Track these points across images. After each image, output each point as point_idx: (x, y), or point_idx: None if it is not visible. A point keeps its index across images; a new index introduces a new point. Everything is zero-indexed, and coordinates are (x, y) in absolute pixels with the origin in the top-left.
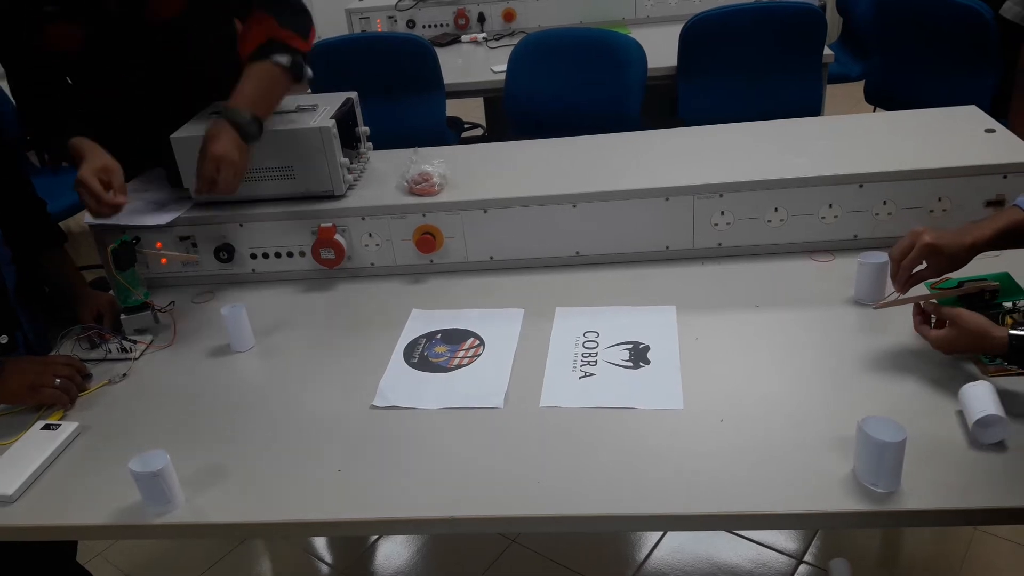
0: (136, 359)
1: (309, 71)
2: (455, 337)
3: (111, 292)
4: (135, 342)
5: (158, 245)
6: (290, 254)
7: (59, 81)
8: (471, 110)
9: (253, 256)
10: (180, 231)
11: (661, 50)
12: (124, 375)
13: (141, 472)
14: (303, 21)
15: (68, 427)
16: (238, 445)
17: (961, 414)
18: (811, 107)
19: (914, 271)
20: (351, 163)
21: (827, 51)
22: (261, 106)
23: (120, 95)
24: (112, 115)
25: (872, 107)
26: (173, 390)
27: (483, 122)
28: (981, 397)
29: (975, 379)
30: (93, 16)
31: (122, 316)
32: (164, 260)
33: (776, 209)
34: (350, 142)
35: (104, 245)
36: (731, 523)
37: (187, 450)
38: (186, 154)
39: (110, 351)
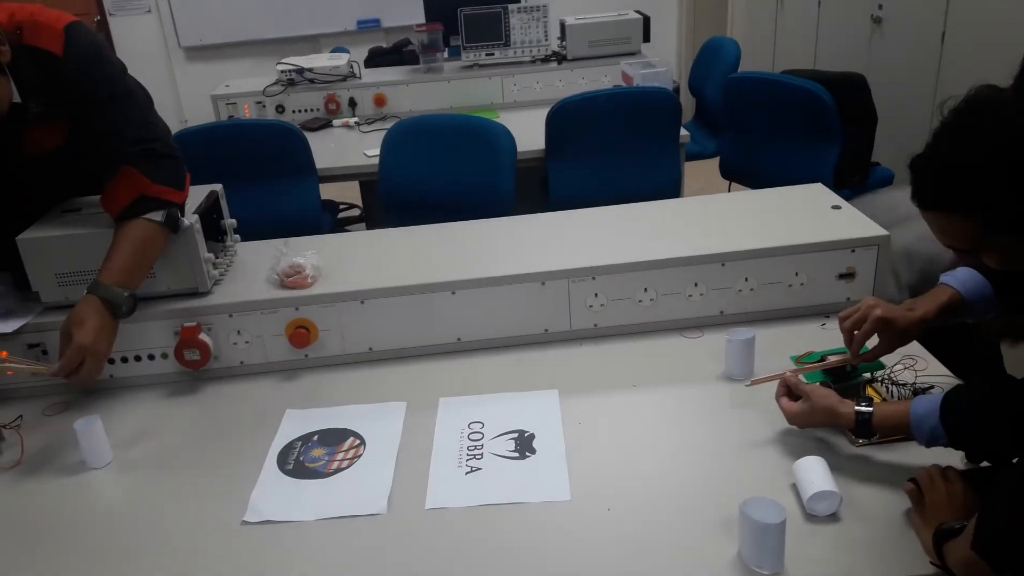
0: None
1: (185, 221)
2: (333, 438)
3: None
4: None
5: (3, 355)
6: (151, 357)
7: None
8: (347, 192)
9: (111, 361)
10: (28, 338)
11: (529, 134)
12: None
13: None
14: (176, 171)
15: None
16: None
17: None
18: (672, 184)
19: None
20: (216, 257)
21: (683, 131)
22: (137, 274)
23: None
24: None
25: (727, 182)
26: (19, 518)
27: (359, 203)
28: (811, 473)
29: (841, 450)
30: None
31: None
32: (10, 372)
33: (646, 289)
34: (215, 235)
35: None
36: None
37: None
38: (34, 256)
39: None
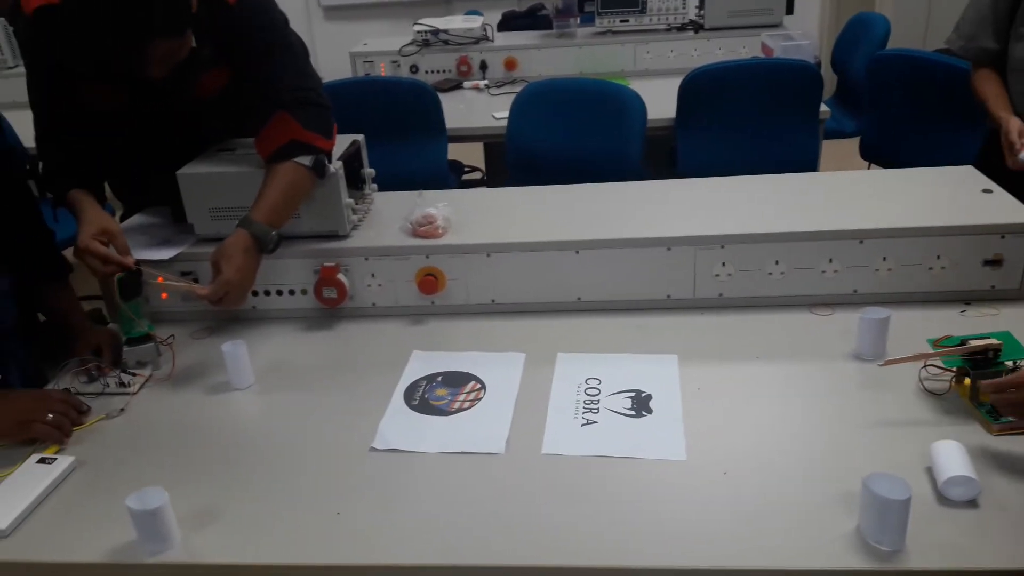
0: (134, 394)
1: (331, 167)
2: (456, 380)
3: (111, 326)
4: (134, 375)
5: (159, 280)
6: (292, 292)
7: (84, 130)
8: (471, 154)
9: (254, 293)
10: (182, 267)
11: (660, 102)
12: (121, 410)
13: (139, 510)
14: (325, 120)
15: (64, 461)
16: (235, 484)
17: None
18: (807, 162)
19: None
20: (356, 204)
21: (823, 107)
22: (284, 214)
23: (136, 137)
24: (122, 152)
25: (867, 163)
26: (171, 426)
27: (482, 166)
28: (951, 457)
29: (979, 437)
30: (137, 87)
31: (124, 348)
32: (164, 295)
33: (777, 262)
34: (355, 183)
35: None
36: None
37: (183, 488)
38: (192, 190)
39: (108, 385)
